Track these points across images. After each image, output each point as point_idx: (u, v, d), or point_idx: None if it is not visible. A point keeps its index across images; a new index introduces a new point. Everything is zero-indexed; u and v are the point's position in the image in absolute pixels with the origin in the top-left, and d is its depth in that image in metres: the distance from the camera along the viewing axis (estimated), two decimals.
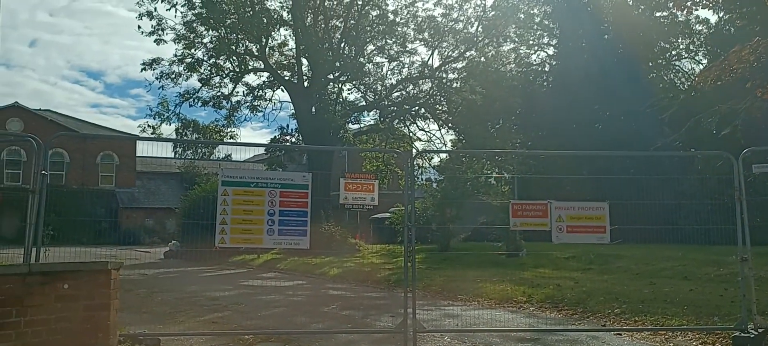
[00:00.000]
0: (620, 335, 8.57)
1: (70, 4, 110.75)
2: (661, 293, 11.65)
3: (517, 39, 33.90)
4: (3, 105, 46.39)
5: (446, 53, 31.90)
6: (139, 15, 29.33)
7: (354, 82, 32.32)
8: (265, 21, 29.30)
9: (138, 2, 29.19)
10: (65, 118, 50.37)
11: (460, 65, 32.08)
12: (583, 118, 33.94)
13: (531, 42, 38.46)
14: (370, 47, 31.79)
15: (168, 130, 32.40)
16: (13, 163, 44.26)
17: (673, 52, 40.09)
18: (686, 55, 40.33)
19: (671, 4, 28.36)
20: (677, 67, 40.61)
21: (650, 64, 36.90)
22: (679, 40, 39.58)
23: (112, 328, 6.07)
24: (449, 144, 34.83)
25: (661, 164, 25.20)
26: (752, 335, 7.40)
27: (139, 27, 31.02)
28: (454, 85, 31.81)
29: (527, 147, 32.01)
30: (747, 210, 8.06)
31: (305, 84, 30.97)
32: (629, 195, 10.49)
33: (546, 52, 41.87)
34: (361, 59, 30.97)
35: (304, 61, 31.30)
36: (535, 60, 41.57)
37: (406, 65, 32.26)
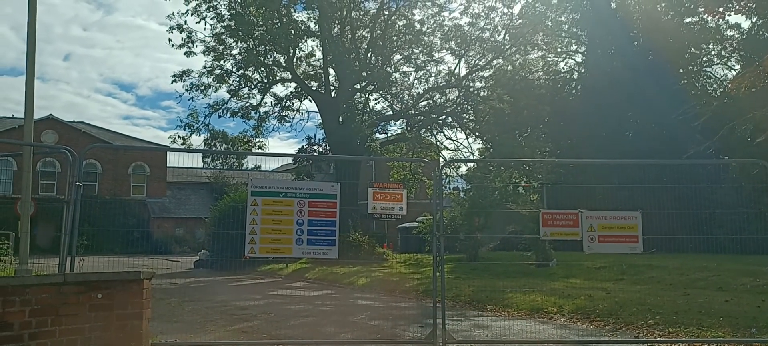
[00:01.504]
0: None
1: (102, 18, 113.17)
2: (696, 303, 11.40)
3: (544, 47, 33.67)
4: (38, 117, 47.32)
5: (473, 62, 31.82)
6: (170, 28, 29.87)
7: (381, 92, 32.41)
8: (293, 32, 29.57)
9: (169, 16, 29.88)
10: (98, 130, 51.37)
11: (487, 74, 31.99)
12: (613, 126, 33.52)
13: (559, 50, 38.18)
14: (397, 57, 31.88)
15: (198, 140, 32.85)
16: (48, 175, 45.20)
17: (705, 59, 39.38)
18: (718, 62, 39.59)
19: (702, 10, 27.95)
20: (709, 74, 39.90)
21: (681, 71, 36.30)
22: (711, 46, 38.89)
23: (144, 337, 6.13)
24: (476, 153, 34.73)
25: (694, 173, 24.69)
26: None
27: (169, 40, 31.70)
28: (481, 93, 31.70)
29: (556, 156, 31.70)
30: None
31: (332, 94, 31.13)
32: (662, 204, 10.33)
33: (574, 59, 41.52)
34: (388, 69, 31.05)
35: (331, 71, 31.49)
36: (563, 68, 41.27)
37: (433, 74, 32.30)
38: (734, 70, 36.34)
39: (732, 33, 38.15)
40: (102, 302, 5.81)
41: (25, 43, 12.90)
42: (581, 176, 27.32)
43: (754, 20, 31.16)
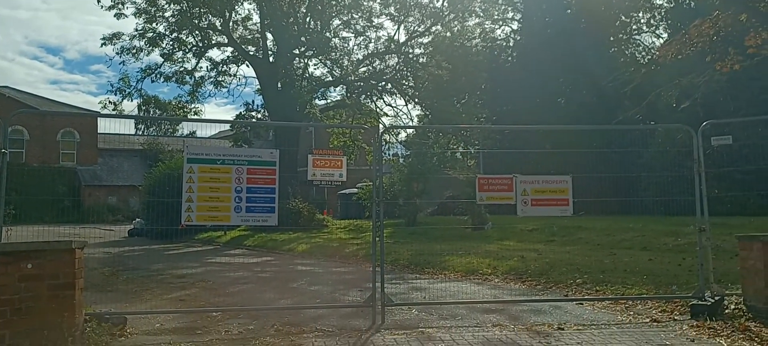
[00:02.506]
0: (582, 304, 8.80)
1: None
2: (622, 263, 11.98)
3: (482, 13, 33.90)
4: None
5: (412, 28, 31.80)
6: None
7: (320, 58, 32.03)
8: None
9: None
10: (24, 95, 48.99)
11: (426, 40, 32.05)
12: (547, 93, 34.38)
13: (496, 16, 38.54)
14: (336, 22, 31.54)
15: (130, 106, 31.85)
16: None
17: (634, 27, 40.64)
18: (647, 30, 40.94)
19: None
20: (638, 42, 41.29)
21: (612, 38, 37.44)
22: (641, 15, 40.09)
23: (77, 307, 6.02)
24: (416, 119, 34.96)
25: (622, 138, 25.68)
26: (709, 303, 7.67)
27: (98, 1, 30.01)
28: (421, 60, 31.78)
29: (492, 122, 32.27)
30: (705, 182, 8.30)
31: (270, 59, 30.62)
32: (591, 168, 10.75)
33: (510, 26, 42.15)
34: (327, 34, 30.69)
35: (269, 35, 30.94)
36: (499, 35, 41.85)
37: (373, 40, 32.12)
38: (662, 38, 37.68)
39: (661, 1, 39.45)
40: (32, 273, 5.66)
41: None
42: (516, 141, 28.03)
43: None
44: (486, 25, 37.26)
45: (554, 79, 34.59)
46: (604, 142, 22.03)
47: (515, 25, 41.61)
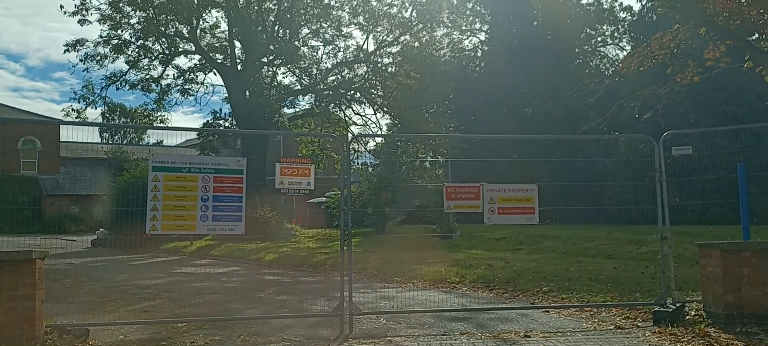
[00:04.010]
0: (548, 312, 8.89)
1: None
2: (587, 271, 12.16)
3: (450, 24, 34.26)
4: None
5: (381, 38, 31.95)
6: None
7: (289, 66, 31.98)
8: (196, 2, 28.58)
9: None
10: None
11: (394, 50, 32.23)
12: (514, 103, 34.81)
13: (464, 27, 39.04)
14: (305, 30, 31.52)
15: (94, 114, 31.39)
16: None
17: (599, 39, 41.57)
18: (611, 42, 41.92)
19: None
20: (603, 54, 42.17)
21: (577, 50, 38.15)
22: (605, 27, 41.07)
23: (37, 319, 5.88)
24: (385, 128, 35.07)
25: (587, 147, 26.11)
26: (671, 310, 7.82)
27: (61, 6, 29.67)
28: (389, 69, 31.92)
29: (461, 131, 32.57)
30: (667, 191, 8.47)
31: (238, 67, 30.42)
32: (557, 177, 10.87)
33: (478, 37, 42.65)
34: (296, 43, 30.66)
35: (237, 43, 30.75)
36: (467, 46, 42.33)
37: (342, 49, 32.21)
38: (625, 50, 38.56)
39: (624, 15, 40.39)
40: None
41: None
42: (483, 150, 28.30)
43: (644, 2, 33.04)
44: (454, 36, 37.74)
45: (521, 90, 35.06)
46: (569, 151, 22.41)
47: (483, 36, 42.14)
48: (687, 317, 7.87)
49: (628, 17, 39.92)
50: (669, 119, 21.03)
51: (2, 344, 5.52)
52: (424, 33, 32.05)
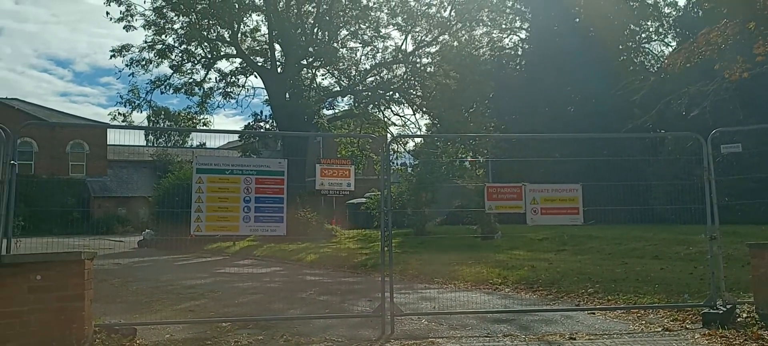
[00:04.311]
0: (593, 314, 8.72)
1: None
2: (633, 272, 11.88)
3: (489, 23, 33.92)
4: None
5: (420, 38, 31.84)
6: (108, 0, 28.82)
7: (328, 68, 32.13)
8: (237, 6, 28.96)
9: None
10: (33, 107, 49.44)
11: (433, 50, 32.07)
12: (555, 102, 34.30)
13: (504, 26, 38.59)
14: (344, 32, 31.62)
15: (139, 118, 32.00)
16: None
17: (643, 35, 40.61)
18: (656, 38, 40.92)
19: None
20: (647, 50, 41.20)
21: (620, 47, 37.37)
22: (649, 23, 40.12)
23: (86, 318, 6.01)
24: (424, 129, 34.97)
25: (632, 146, 25.60)
26: (721, 312, 7.59)
27: (107, 13, 30.29)
28: (428, 69, 31.79)
29: (501, 131, 32.22)
30: (715, 190, 8.22)
31: (278, 70, 30.71)
32: (601, 176, 10.66)
33: (518, 36, 42.15)
34: (335, 44, 30.79)
35: (277, 46, 31.02)
36: (507, 44, 41.84)
37: (380, 50, 32.17)
38: (671, 46, 37.61)
39: (669, 10, 39.40)
40: (41, 284, 5.66)
41: None
42: (525, 150, 27.96)
43: None
44: (494, 35, 37.31)
45: (563, 88, 34.51)
46: (613, 150, 21.97)
47: (523, 34, 41.63)
48: (738, 320, 7.63)
49: (673, 13, 38.95)
50: (717, 116, 20.46)
51: (53, 342, 5.66)
52: (464, 32, 31.83)
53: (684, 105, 21.24)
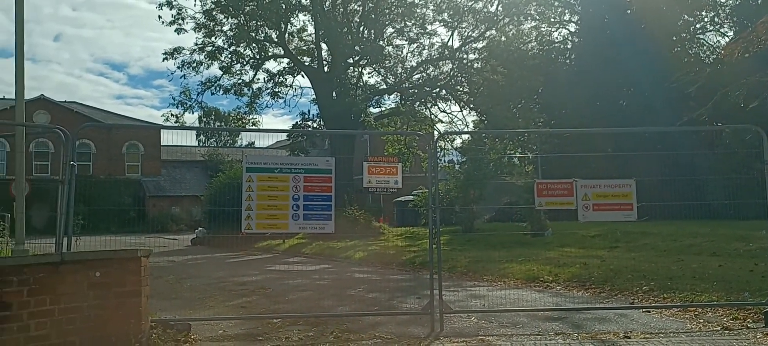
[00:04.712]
0: (649, 312, 8.49)
1: None
2: (690, 269, 11.52)
3: (537, 17, 33.45)
4: (29, 98, 47.00)
5: (466, 33, 31.66)
6: (160, 5, 29.66)
7: (374, 66, 32.25)
8: (284, 7, 29.33)
9: None
10: (90, 110, 51.13)
11: (480, 45, 31.86)
12: (606, 96, 33.55)
13: (552, 19, 37.99)
14: (390, 30, 31.68)
15: (191, 118, 32.75)
16: (42, 155, 45.03)
17: (698, 26, 39.29)
18: (711, 28, 39.52)
19: None
20: (702, 41, 39.83)
21: (674, 38, 36.24)
22: (704, 13, 38.77)
23: (143, 314, 6.18)
24: (471, 125, 34.70)
25: (687, 140, 24.79)
26: None
27: (159, 17, 31.38)
28: (475, 65, 31.57)
29: (550, 126, 31.74)
30: None
31: (325, 69, 30.97)
32: (655, 171, 10.40)
33: (567, 29, 41.37)
34: (381, 42, 30.86)
35: (324, 46, 31.30)
36: (556, 38, 41.14)
37: (426, 47, 32.13)
38: (727, 36, 36.32)
39: None
40: (100, 281, 5.84)
41: (14, 24, 12.72)
42: (575, 145, 27.38)
43: None
44: (542, 28, 36.76)
45: (615, 81, 33.70)
46: (668, 144, 21.33)
47: (572, 27, 40.84)
48: None
49: (730, 2, 37.57)
50: None
51: (111, 337, 5.83)
52: (511, 27, 31.48)
53: (742, 96, 20.44)
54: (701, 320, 7.85)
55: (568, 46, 40.64)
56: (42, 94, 47.93)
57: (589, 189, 8.30)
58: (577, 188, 8.28)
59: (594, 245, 16.94)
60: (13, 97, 13.57)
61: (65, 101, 50.42)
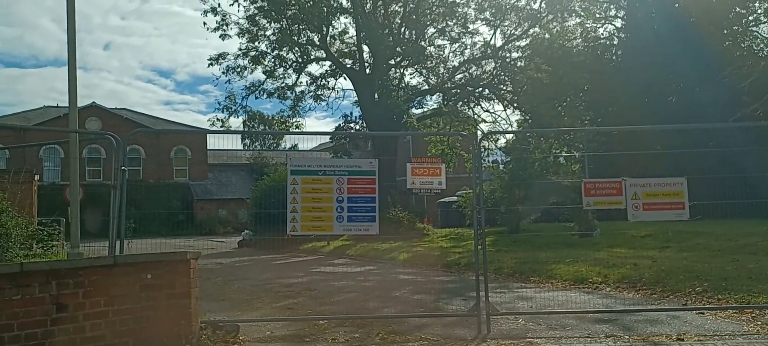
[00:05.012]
0: (703, 314, 8.24)
1: (139, 6, 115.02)
2: (745, 269, 11.14)
3: (582, 13, 32.84)
4: (82, 105, 48.53)
5: (509, 32, 31.32)
6: (204, 12, 30.20)
7: (416, 67, 32.17)
8: (325, 10, 29.51)
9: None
10: (140, 116, 52.51)
11: (523, 43, 31.44)
12: (656, 91, 32.72)
13: (597, 15, 37.23)
14: (431, 30, 31.57)
15: (236, 123, 33.26)
16: (94, 161, 46.43)
17: (750, 18, 37.92)
18: (765, 20, 38.09)
19: None
20: (755, 33, 38.42)
21: (725, 31, 35.06)
22: (757, 5, 37.39)
23: (193, 315, 6.29)
24: (515, 124, 34.30)
25: (740, 136, 23.98)
26: None
27: (204, 23, 31.75)
28: (519, 64, 31.20)
29: (597, 124, 31.10)
30: None
31: (367, 71, 31.05)
32: (708, 169, 10.07)
33: (613, 24, 40.49)
34: (422, 43, 30.77)
35: (365, 47, 31.39)
36: (602, 34, 40.27)
37: (468, 46, 31.88)
38: None
39: None
40: (152, 283, 5.97)
41: (67, 34, 13.18)
42: (623, 143, 26.80)
43: None
44: (587, 25, 36.07)
45: (663, 77, 32.83)
46: (721, 141, 20.68)
47: (619, 23, 39.95)
48: None
49: None
50: None
51: (163, 338, 5.95)
52: (555, 24, 30.98)
53: None
54: (759, 323, 7.58)
55: (614, 42, 39.76)
56: (93, 102, 49.48)
57: (638, 188, 8.12)
58: (626, 187, 8.11)
59: (644, 245, 16.55)
60: (67, 104, 14.05)
61: (115, 108, 51.99)
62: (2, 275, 5.23)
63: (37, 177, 25.79)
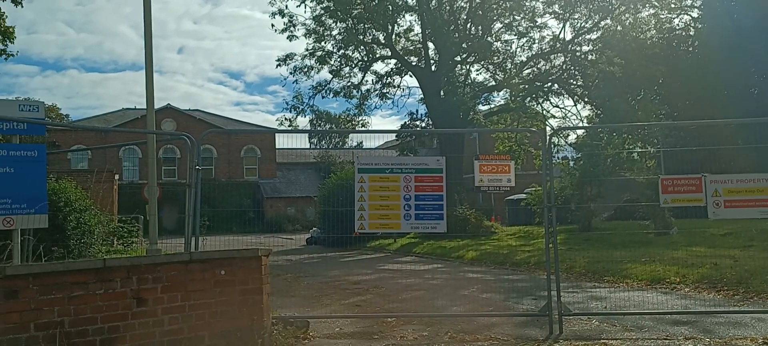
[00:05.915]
0: None
1: (211, 11, 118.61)
2: None
3: (656, 3, 31.65)
4: (158, 107, 50.46)
5: (579, 25, 30.54)
6: (272, 14, 30.82)
7: (482, 62, 31.85)
8: (390, 8, 29.59)
9: (270, 2, 30.68)
10: (212, 116, 54.14)
11: (594, 36, 30.61)
12: (736, 84, 31.15)
13: (672, 5, 35.77)
14: (498, 25, 31.16)
15: (303, 122, 33.86)
16: (169, 161, 48.19)
17: None
18: None
19: None
20: None
21: None
22: None
23: (265, 311, 6.40)
24: (586, 120, 33.43)
25: None
26: None
27: (272, 25, 32.37)
28: (589, 57, 30.38)
29: (673, 118, 29.93)
30: None
31: (433, 68, 30.94)
32: None
33: (690, 15, 38.77)
34: (489, 38, 30.42)
35: (431, 45, 31.28)
36: (677, 24, 38.65)
37: (537, 40, 31.32)
38: None
39: None
40: (225, 279, 6.11)
41: (143, 40, 13.74)
42: (702, 138, 25.58)
43: None
44: (662, 15, 34.72)
45: (744, 69, 31.22)
46: None
47: (695, 13, 38.28)
48: None
49: None
50: None
51: (237, 332, 6.09)
52: (628, 15, 29.98)
53: None
54: None
55: (691, 33, 38.09)
56: (169, 104, 51.43)
57: (719, 184, 7.76)
58: (706, 184, 7.77)
59: (725, 244, 15.79)
60: (144, 107, 14.63)
61: (189, 109, 53.77)
62: (86, 270, 5.47)
63: (117, 176, 27.00)
